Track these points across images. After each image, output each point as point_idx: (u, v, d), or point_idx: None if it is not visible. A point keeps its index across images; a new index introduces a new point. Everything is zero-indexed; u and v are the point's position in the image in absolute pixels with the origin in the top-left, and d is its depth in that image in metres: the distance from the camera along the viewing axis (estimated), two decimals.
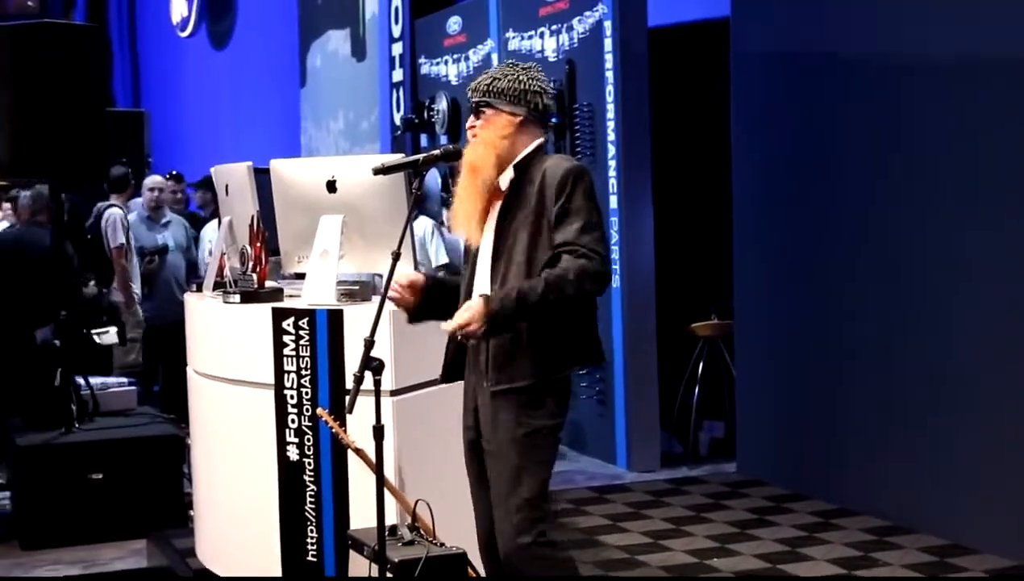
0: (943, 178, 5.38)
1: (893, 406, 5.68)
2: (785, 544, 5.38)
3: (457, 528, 3.96)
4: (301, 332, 4.18)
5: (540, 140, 3.67)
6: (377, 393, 3.47)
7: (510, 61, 3.83)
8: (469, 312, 3.40)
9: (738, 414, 6.85)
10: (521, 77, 3.66)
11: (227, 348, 4.58)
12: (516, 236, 3.52)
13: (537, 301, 3.38)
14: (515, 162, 3.58)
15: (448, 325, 3.46)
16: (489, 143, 3.58)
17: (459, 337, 3.49)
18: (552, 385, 3.52)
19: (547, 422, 3.52)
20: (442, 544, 3.74)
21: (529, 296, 3.39)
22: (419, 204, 7.48)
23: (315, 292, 4.30)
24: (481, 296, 3.45)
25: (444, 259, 7.53)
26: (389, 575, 3.53)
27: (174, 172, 10.35)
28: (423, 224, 7.27)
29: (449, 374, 3.75)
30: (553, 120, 7.62)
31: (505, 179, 3.58)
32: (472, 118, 3.68)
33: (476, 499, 3.70)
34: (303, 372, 4.19)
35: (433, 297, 3.67)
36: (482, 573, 3.80)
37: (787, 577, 4.96)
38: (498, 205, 3.58)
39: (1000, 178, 5.11)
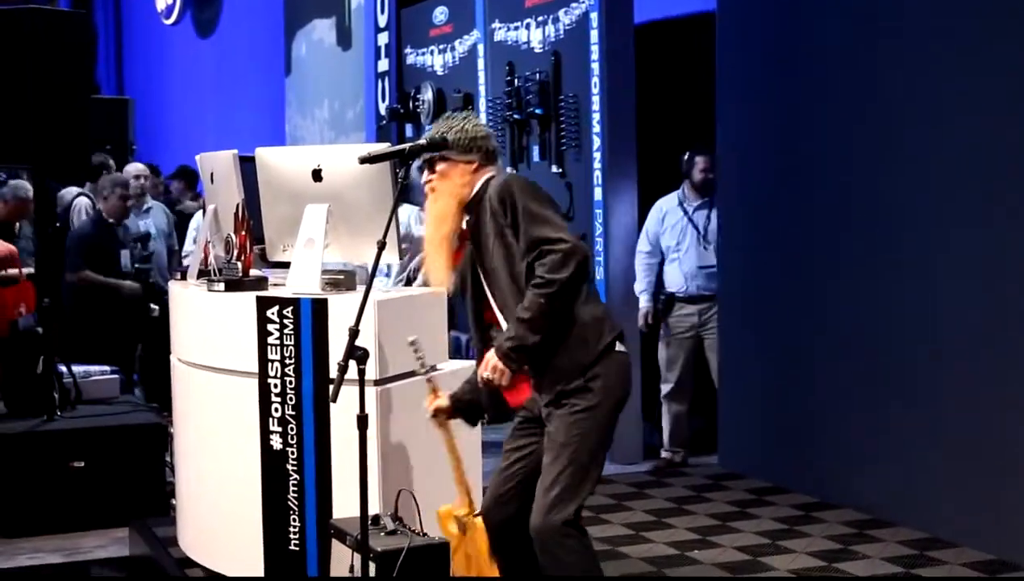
0: (924, 176, 5.40)
1: (874, 400, 5.70)
2: (766, 536, 5.40)
3: None
4: (285, 321, 4.18)
5: (488, 175, 3.84)
6: (361, 382, 3.49)
7: (447, 114, 3.99)
8: (489, 370, 3.64)
9: (721, 408, 6.87)
10: (466, 127, 3.85)
11: (211, 336, 4.57)
12: (494, 264, 3.73)
13: (534, 329, 3.60)
14: (467, 204, 3.79)
15: (480, 380, 3.74)
16: (451, 193, 3.80)
17: (491, 386, 3.72)
18: (598, 367, 3.67)
19: (593, 402, 3.66)
20: (425, 534, 3.75)
21: (526, 337, 3.60)
22: (405, 194, 7.53)
23: (300, 281, 4.30)
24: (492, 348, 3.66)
25: None
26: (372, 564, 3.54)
27: (152, 165, 10.33)
28: (406, 211, 7.34)
29: (498, 416, 4.04)
30: (538, 111, 7.65)
31: (464, 221, 3.79)
32: (426, 173, 3.86)
33: (500, 469, 3.87)
34: (287, 361, 4.19)
35: (472, 398, 3.98)
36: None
37: (768, 569, 4.99)
38: (468, 246, 3.81)
39: (980, 175, 5.13)
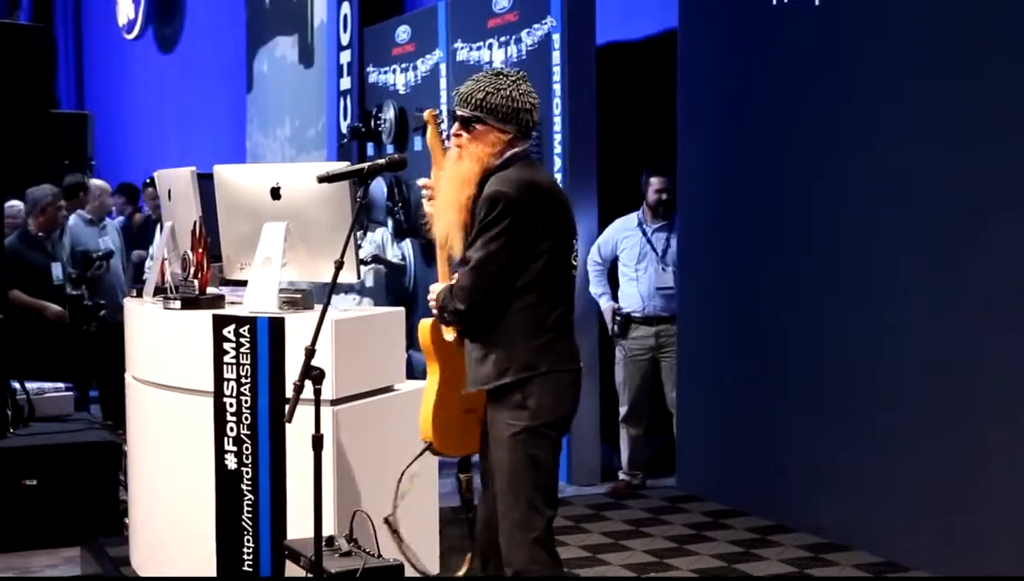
0: (883, 202, 5.44)
1: (831, 424, 5.72)
2: (722, 559, 5.41)
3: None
4: (242, 340, 4.15)
5: (516, 150, 3.73)
6: (317, 402, 3.47)
7: (500, 71, 3.83)
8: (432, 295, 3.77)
9: (679, 430, 6.88)
10: (513, 94, 3.72)
11: (167, 354, 4.54)
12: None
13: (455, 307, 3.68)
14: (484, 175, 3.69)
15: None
16: (478, 159, 3.68)
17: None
18: (533, 386, 3.63)
19: (529, 423, 3.63)
20: (380, 556, 3.73)
21: (448, 306, 3.69)
22: (366, 213, 7.59)
23: (257, 300, 4.28)
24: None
25: (397, 261, 8.03)
26: None
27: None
28: (380, 232, 7.81)
29: None
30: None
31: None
32: (458, 126, 3.73)
33: (482, 493, 3.84)
34: (243, 380, 4.16)
35: None
36: None
37: None
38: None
39: (934, 203, 5.17)
